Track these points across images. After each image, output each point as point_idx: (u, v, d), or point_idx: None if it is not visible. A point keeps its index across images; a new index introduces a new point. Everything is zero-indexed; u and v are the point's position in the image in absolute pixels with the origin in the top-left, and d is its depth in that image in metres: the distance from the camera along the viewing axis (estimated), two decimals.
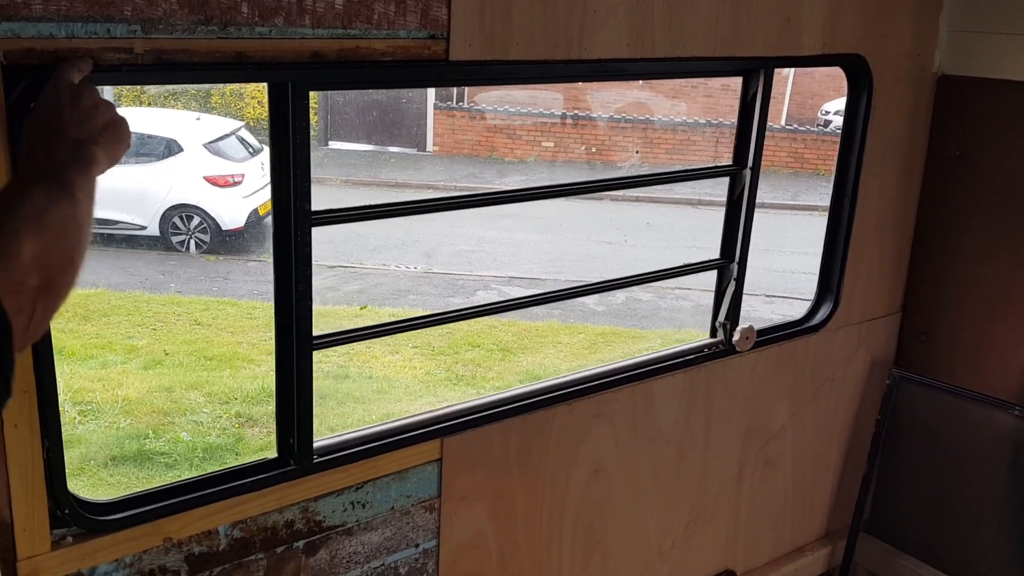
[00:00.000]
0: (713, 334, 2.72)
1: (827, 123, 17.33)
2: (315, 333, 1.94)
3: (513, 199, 2.41)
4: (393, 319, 2.25)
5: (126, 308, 9.61)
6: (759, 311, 10.26)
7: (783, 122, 17.02)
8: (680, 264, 2.64)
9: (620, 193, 14.15)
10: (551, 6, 1.98)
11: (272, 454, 2.03)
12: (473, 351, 9.42)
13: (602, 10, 2.05)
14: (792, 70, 15.94)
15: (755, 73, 2.45)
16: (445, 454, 2.21)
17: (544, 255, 12.01)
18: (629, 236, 12.77)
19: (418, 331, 9.53)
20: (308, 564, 2.08)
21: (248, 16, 1.62)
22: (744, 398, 2.80)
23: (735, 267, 2.64)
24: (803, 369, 2.92)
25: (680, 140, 16.03)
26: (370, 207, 1.97)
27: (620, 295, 11.14)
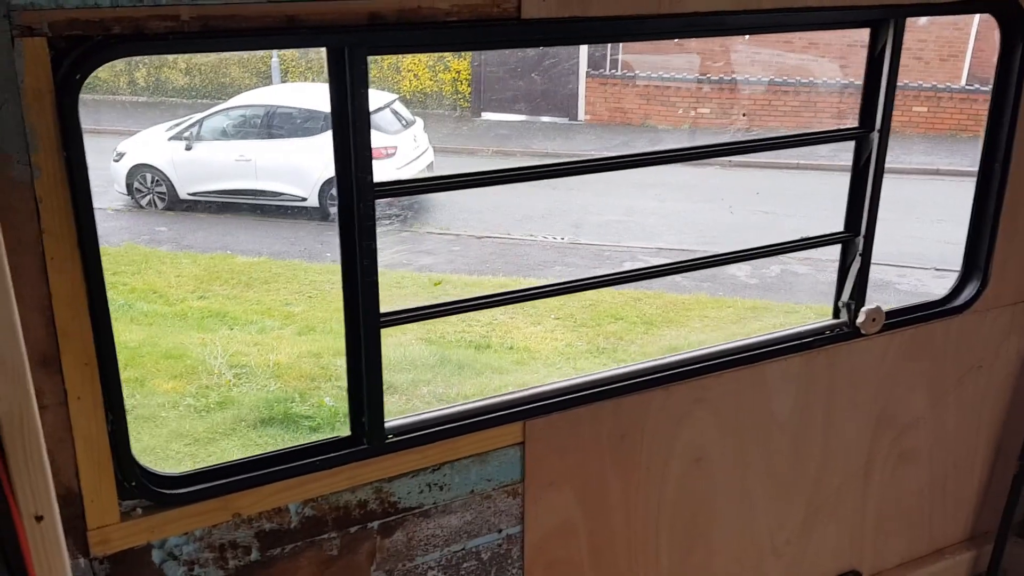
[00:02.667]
0: (836, 315, 2.47)
1: None
2: (383, 310, 1.87)
3: (614, 166, 2.23)
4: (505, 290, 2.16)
5: (285, 276, 10.01)
6: (928, 286, 9.55)
7: (963, 82, 15.72)
8: (800, 238, 2.40)
9: (779, 159, 13.51)
10: None
11: (346, 432, 1.98)
12: (616, 323, 9.24)
13: None
14: (975, 21, 14.66)
15: (883, 24, 2.17)
16: (528, 437, 2.10)
17: (695, 225, 11.61)
18: (788, 205, 12.17)
19: (561, 302, 9.44)
20: (384, 545, 2.03)
21: None
22: (872, 385, 2.53)
23: (860, 241, 2.38)
24: (944, 355, 2.61)
25: (846, 104, 15.09)
26: (438, 178, 1.87)
27: (775, 267, 10.65)
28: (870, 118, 2.27)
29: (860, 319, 2.40)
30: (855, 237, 2.38)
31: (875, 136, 2.27)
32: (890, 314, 2.47)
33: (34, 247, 1.52)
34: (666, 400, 2.24)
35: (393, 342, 8.67)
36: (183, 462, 6.07)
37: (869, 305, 2.41)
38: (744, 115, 15.01)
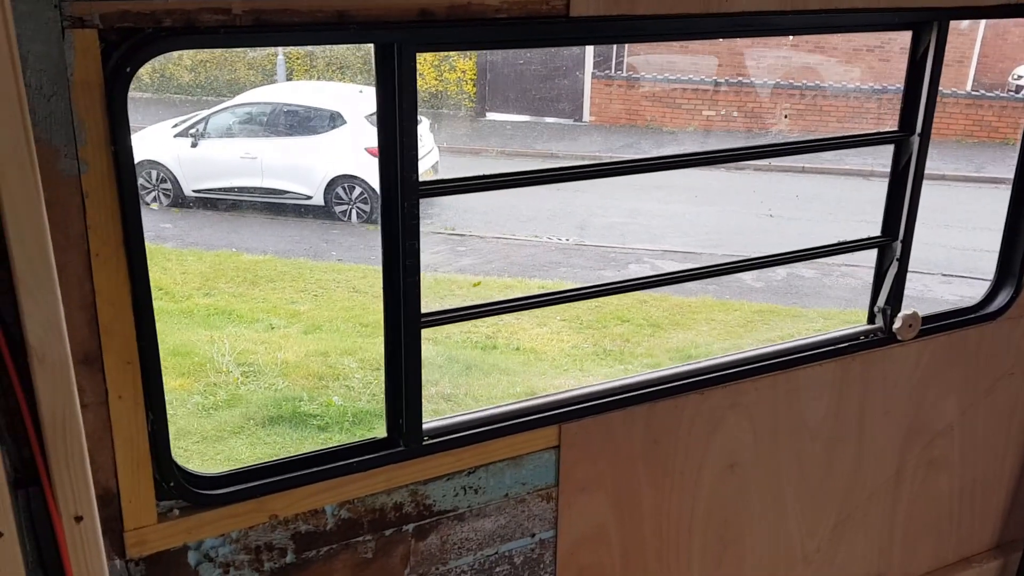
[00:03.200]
0: (871, 320, 2.45)
1: (1019, 88, 15.84)
2: (424, 310, 1.84)
3: (642, 168, 2.21)
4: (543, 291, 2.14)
5: (291, 274, 9.98)
6: (934, 291, 9.53)
7: (968, 87, 15.70)
8: (837, 241, 2.38)
9: (784, 164, 13.51)
10: None
11: (382, 433, 1.96)
12: (622, 326, 9.22)
13: None
14: (981, 27, 14.64)
15: (927, 27, 2.15)
16: (563, 441, 2.08)
17: (699, 228, 11.59)
18: (791, 209, 12.15)
19: (567, 304, 9.45)
20: (418, 548, 2.01)
21: None
22: (905, 392, 2.51)
23: (898, 246, 2.36)
24: (976, 361, 2.59)
25: (852, 107, 15.07)
26: (480, 178, 1.84)
27: (781, 271, 10.63)
28: (910, 121, 2.25)
29: (896, 325, 2.38)
30: (893, 242, 2.36)
31: (915, 140, 2.25)
32: (924, 320, 2.44)
33: (79, 244, 1.49)
34: (701, 405, 2.22)
35: None
36: (191, 460, 6.05)
37: (906, 311, 2.39)
38: (786, 116, 14.90)
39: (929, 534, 2.75)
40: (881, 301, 2.41)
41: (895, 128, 2.30)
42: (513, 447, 2.03)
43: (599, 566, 2.23)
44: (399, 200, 1.74)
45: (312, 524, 1.86)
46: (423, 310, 1.82)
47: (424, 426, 1.92)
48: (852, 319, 9.36)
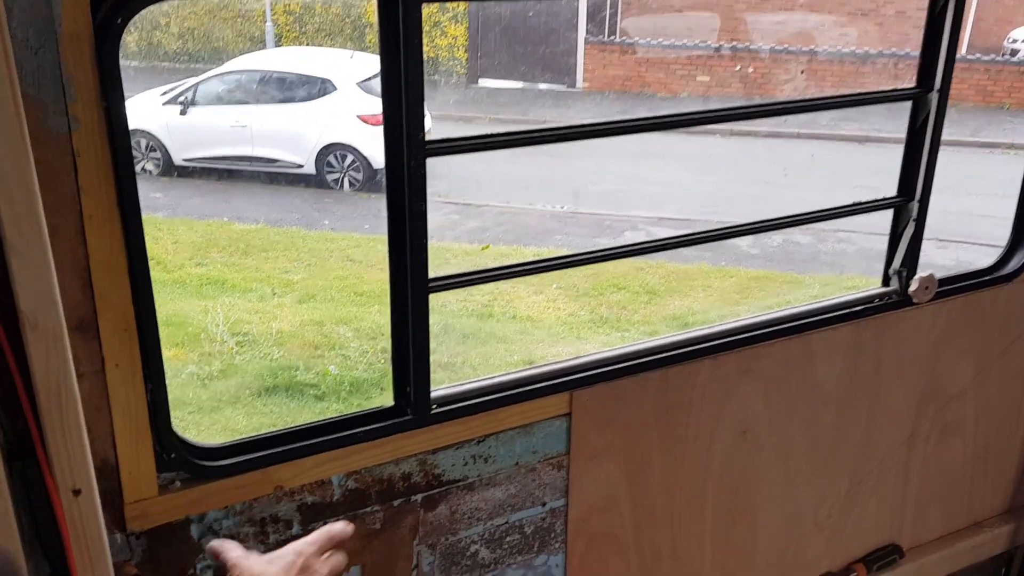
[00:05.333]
0: (886, 283, 2.39)
1: (1014, 52, 15.72)
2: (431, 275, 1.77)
3: (645, 128, 2.12)
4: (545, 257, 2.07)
5: (283, 244, 9.90)
6: (931, 256, 9.49)
7: (964, 51, 15.58)
8: (851, 203, 2.31)
9: (780, 128, 13.40)
10: None
11: (389, 402, 1.90)
12: (618, 293, 9.17)
13: None
14: None
15: None
16: (575, 408, 2.02)
17: (696, 195, 11.51)
18: (789, 175, 12.07)
19: (563, 272, 9.40)
20: (427, 518, 1.96)
21: None
22: (919, 356, 2.46)
23: (915, 206, 2.29)
24: (990, 324, 2.54)
25: (848, 72, 14.94)
26: (487, 136, 1.77)
27: (777, 237, 10.58)
28: (929, 78, 2.18)
29: (912, 287, 2.32)
30: (909, 202, 2.30)
31: (934, 96, 2.18)
32: (940, 282, 2.38)
33: (71, 206, 1.42)
34: (714, 371, 2.16)
35: None
36: (188, 431, 5.99)
37: (922, 273, 2.33)
38: (802, 72, 14.62)
39: (941, 499, 2.71)
40: (896, 263, 2.35)
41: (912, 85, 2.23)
42: (523, 415, 1.97)
43: (610, 535, 2.19)
44: (404, 160, 1.66)
45: (318, 495, 1.81)
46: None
47: (432, 394, 1.86)
48: (848, 285, 9.33)
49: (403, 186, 1.68)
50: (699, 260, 9.87)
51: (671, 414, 2.15)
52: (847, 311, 2.31)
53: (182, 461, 1.66)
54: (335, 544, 1.50)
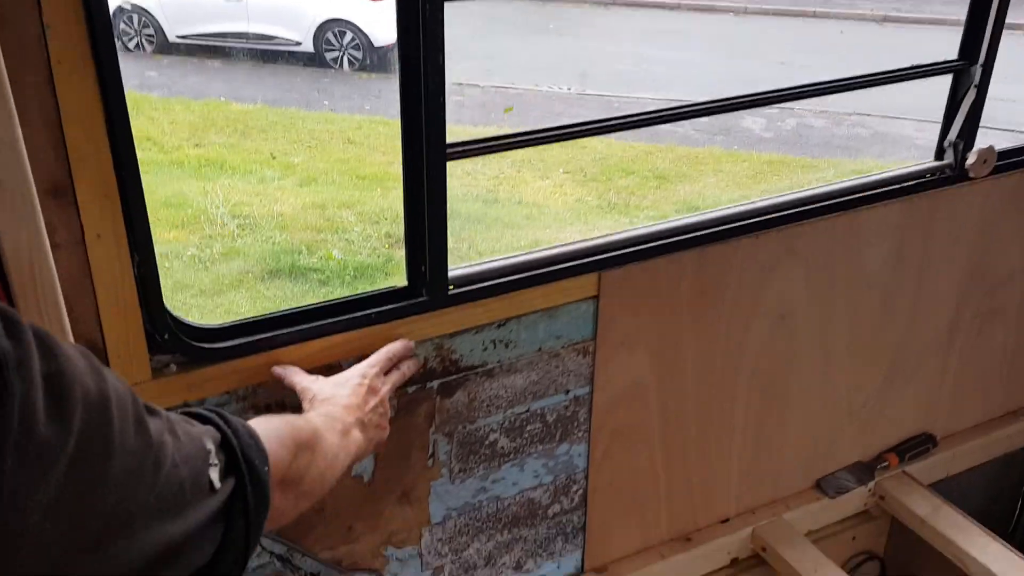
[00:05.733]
0: (939, 156, 2.19)
1: None
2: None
3: None
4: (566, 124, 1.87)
5: (282, 124, 9.61)
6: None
7: None
8: (908, 66, 2.09)
9: (797, 7, 12.88)
10: None
11: (403, 282, 1.73)
12: (627, 178, 8.93)
13: None
14: None
15: None
16: (603, 290, 1.86)
17: (709, 76, 11.11)
18: (804, 55, 11.63)
19: (570, 157, 9.12)
20: (444, 406, 1.82)
21: None
22: (970, 236, 2.29)
23: (978, 71, 2.08)
24: None
25: None
26: None
27: (791, 120, 10.27)
28: None
29: (970, 160, 2.13)
30: (971, 66, 2.08)
31: None
32: (999, 156, 2.19)
33: (37, 49, 1.22)
34: (754, 250, 1.99)
35: (398, 194, 8.39)
36: (190, 314, 5.89)
37: (980, 145, 2.14)
38: None
39: (978, 388, 2.59)
40: (953, 135, 2.15)
41: None
42: (548, 297, 1.81)
43: (636, 425, 2.06)
44: (419, 3, 1.45)
45: None
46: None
47: (449, 274, 1.70)
48: (863, 169, 9.08)
49: (417, 35, 1.47)
50: (710, 143, 9.61)
51: (706, 296, 1.99)
52: (898, 186, 2.13)
53: (176, 342, 1.51)
54: (395, 362, 1.57)
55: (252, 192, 8.04)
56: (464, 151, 1.61)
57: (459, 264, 1.74)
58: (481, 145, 1.66)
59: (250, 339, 1.57)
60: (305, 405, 1.45)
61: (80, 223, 1.34)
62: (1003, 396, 2.66)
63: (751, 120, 10.29)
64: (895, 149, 9.54)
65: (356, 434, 1.37)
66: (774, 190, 8.67)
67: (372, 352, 1.67)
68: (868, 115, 10.16)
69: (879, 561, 2.59)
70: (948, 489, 2.55)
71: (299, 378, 1.51)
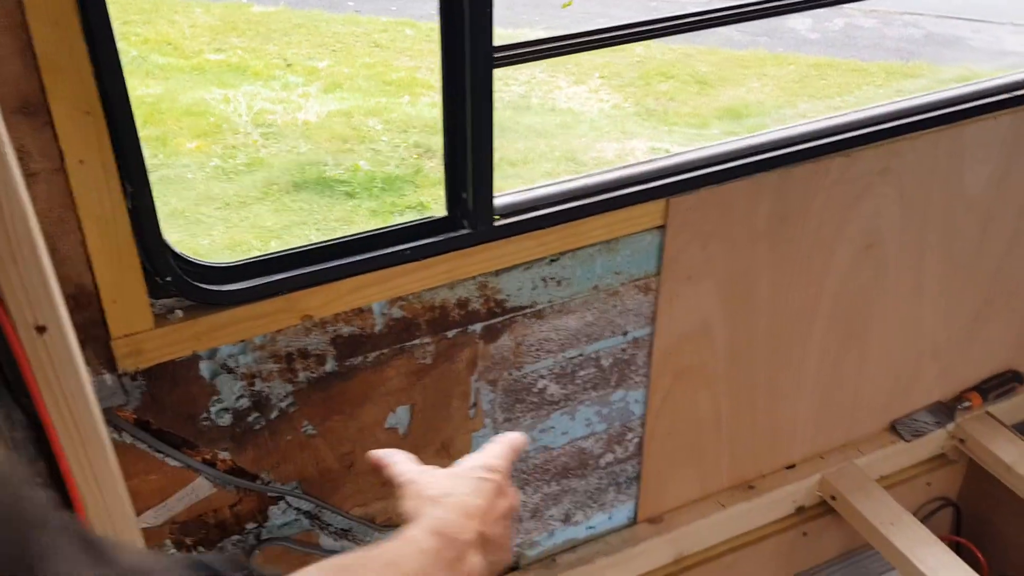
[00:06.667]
0: None
1: None
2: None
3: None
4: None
5: (306, 27, 9.24)
6: (1004, 42, 8.65)
7: None
8: None
9: None
10: None
11: (441, 212, 1.50)
12: (666, 83, 8.51)
13: None
14: None
15: None
16: (671, 219, 1.62)
17: None
18: None
19: (607, 61, 8.70)
20: (487, 351, 1.61)
21: None
22: None
23: None
24: None
25: None
26: None
27: (838, 20, 9.71)
28: None
29: None
30: None
31: None
32: None
33: None
34: (845, 171, 1.73)
35: (428, 102, 8.06)
36: (215, 227, 5.71)
37: None
38: None
39: None
40: None
41: None
42: (608, 228, 1.57)
43: (700, 368, 1.84)
44: None
45: (357, 326, 1.46)
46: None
47: (496, 201, 1.46)
48: (916, 73, 8.60)
49: None
50: (753, 45, 9.11)
51: (787, 223, 1.74)
52: (1008, 96, 1.84)
53: (181, 284, 1.29)
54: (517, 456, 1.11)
55: (276, 99, 7.75)
56: (514, 56, 1.36)
57: (503, 191, 1.50)
58: (533, 49, 1.40)
59: (267, 280, 1.36)
60: (408, 504, 0.97)
61: (58, 147, 1.12)
62: None
63: (797, 20, 9.75)
64: (950, 52, 9.02)
65: (474, 560, 0.91)
66: (821, 95, 8.24)
67: (409, 294, 1.46)
68: (921, 14, 9.58)
69: (955, 508, 2.39)
70: None
71: (402, 467, 1.04)
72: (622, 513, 1.98)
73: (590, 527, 1.96)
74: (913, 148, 1.77)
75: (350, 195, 6.35)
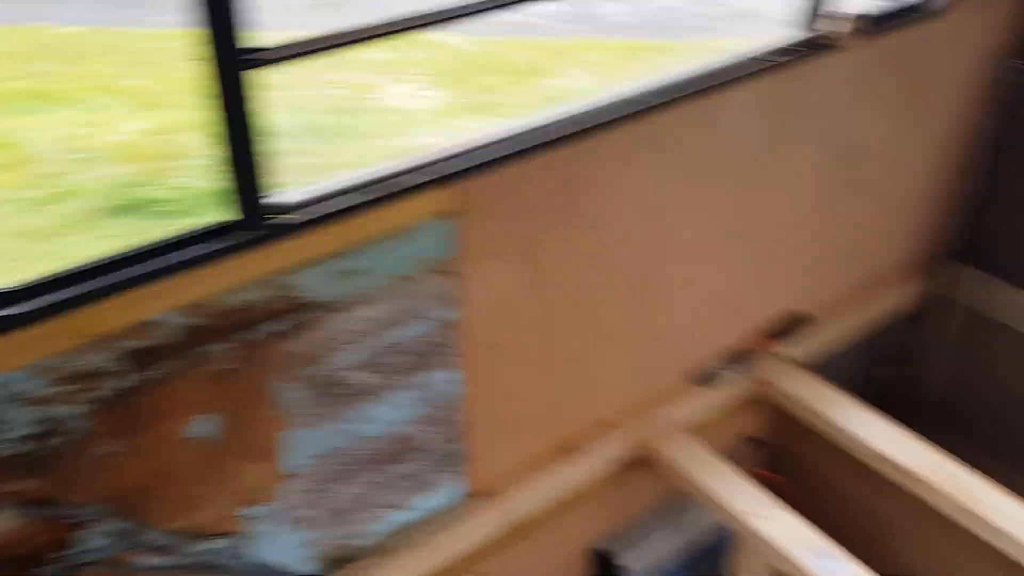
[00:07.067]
0: (806, 28, 2.07)
1: None
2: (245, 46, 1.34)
3: None
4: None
5: (114, 46, 8.85)
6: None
7: None
8: None
9: None
10: None
11: (229, 216, 1.51)
12: (490, 76, 8.65)
13: None
14: None
15: None
16: (462, 203, 1.69)
17: None
18: None
19: (427, 58, 8.75)
20: (292, 349, 1.63)
21: None
22: (838, 109, 2.21)
23: None
24: (912, 69, 2.29)
25: None
26: None
27: (654, 2, 10.11)
28: None
29: (837, 29, 2.02)
30: None
31: None
32: (869, 22, 2.09)
33: None
34: (616, 144, 1.85)
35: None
36: (36, 263, 5.42)
37: (844, 10, 2.03)
38: None
39: (847, 259, 2.57)
40: (818, 4, 2.03)
41: None
42: (400, 216, 1.63)
43: (509, 342, 1.93)
44: None
45: (149, 338, 1.45)
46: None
47: (280, 200, 1.49)
48: (726, 47, 9.09)
49: None
50: (574, 33, 9.38)
51: (573, 197, 1.85)
52: (764, 65, 2.00)
53: None
54: None
55: (87, 123, 7.41)
56: (264, 59, 1.38)
57: (293, 188, 1.53)
58: (289, 50, 1.43)
59: (49, 300, 1.33)
60: None
61: None
62: (872, 265, 2.65)
63: (610, 6, 10.10)
64: (757, 25, 9.56)
65: None
66: (634, 77, 8.59)
67: (199, 300, 1.46)
68: None
69: (766, 446, 2.59)
70: (825, 368, 2.55)
71: None
72: (454, 492, 2.04)
73: (422, 509, 2.01)
74: (675, 119, 1.91)
75: (175, 214, 6.15)
